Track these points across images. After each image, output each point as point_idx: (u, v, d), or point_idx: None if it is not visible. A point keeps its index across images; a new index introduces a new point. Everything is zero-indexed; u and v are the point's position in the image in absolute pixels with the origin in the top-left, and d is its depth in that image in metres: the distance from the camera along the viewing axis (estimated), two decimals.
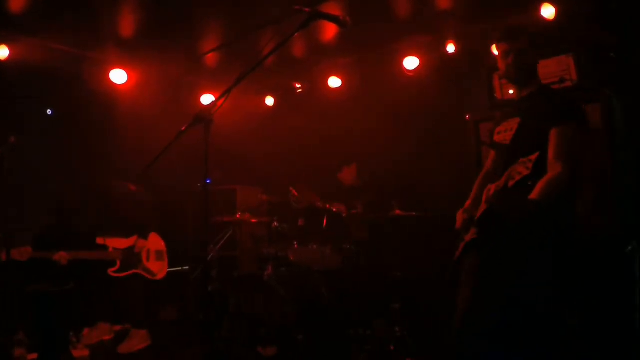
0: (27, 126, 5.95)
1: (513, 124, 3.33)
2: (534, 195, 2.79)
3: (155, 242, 6.15)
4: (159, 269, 6.05)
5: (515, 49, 3.31)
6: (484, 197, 3.13)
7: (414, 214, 5.56)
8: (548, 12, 5.30)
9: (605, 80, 4.59)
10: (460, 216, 3.43)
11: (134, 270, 5.82)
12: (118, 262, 5.69)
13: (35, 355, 4.72)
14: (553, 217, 2.86)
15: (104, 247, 5.68)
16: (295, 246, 5.82)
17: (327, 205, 5.87)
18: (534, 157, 2.72)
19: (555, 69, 4.85)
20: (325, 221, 5.86)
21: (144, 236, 6.07)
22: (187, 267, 7.23)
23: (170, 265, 6.64)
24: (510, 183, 2.81)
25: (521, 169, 2.75)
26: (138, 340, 5.74)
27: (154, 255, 6.06)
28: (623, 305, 4.01)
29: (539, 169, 2.83)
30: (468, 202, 3.54)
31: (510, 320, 2.89)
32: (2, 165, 4.88)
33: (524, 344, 2.85)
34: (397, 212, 5.72)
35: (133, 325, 5.84)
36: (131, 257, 5.84)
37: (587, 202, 4.40)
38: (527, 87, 3.40)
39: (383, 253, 5.87)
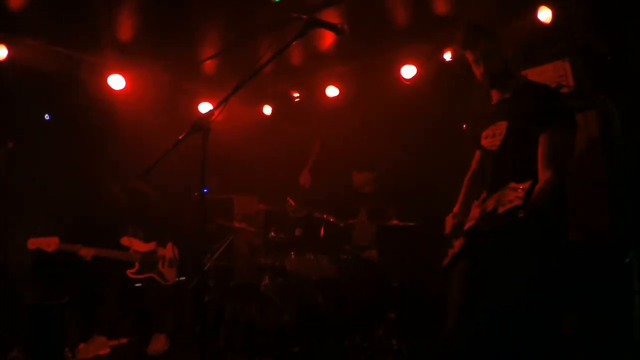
0: (25, 129, 5.97)
1: (501, 127, 3.21)
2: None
3: (170, 250, 6.38)
4: (170, 275, 6.29)
5: (481, 56, 3.23)
6: (472, 211, 3.12)
7: (411, 224, 5.56)
8: (545, 15, 5.32)
9: (602, 84, 4.61)
10: (449, 221, 3.39)
11: (150, 274, 6.04)
12: (137, 264, 5.92)
13: None
14: (541, 226, 2.81)
15: (126, 248, 5.92)
16: (292, 256, 5.84)
17: (324, 215, 5.89)
18: (526, 185, 2.61)
19: (552, 75, 4.88)
20: (322, 231, 5.89)
21: (163, 244, 6.30)
22: (183, 278, 7.25)
23: None
24: (501, 210, 2.70)
25: (512, 197, 2.65)
26: (162, 342, 5.97)
27: (167, 262, 6.29)
28: (621, 315, 4.04)
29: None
30: (457, 206, 3.52)
31: (498, 325, 2.86)
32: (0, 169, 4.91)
33: (513, 347, 2.82)
34: (395, 222, 5.74)
35: (157, 330, 6.04)
36: (149, 261, 6.08)
37: (586, 209, 4.42)
38: (508, 88, 3.28)
39: (381, 262, 5.89)
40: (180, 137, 2.92)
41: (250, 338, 5.47)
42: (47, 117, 6.72)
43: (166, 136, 3.03)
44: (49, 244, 5.23)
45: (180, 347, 6.06)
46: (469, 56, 3.31)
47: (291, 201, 6.17)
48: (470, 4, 5.46)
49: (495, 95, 3.37)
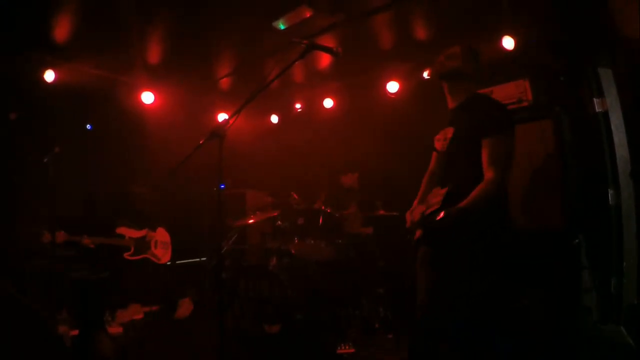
0: (70, 137, 5.91)
1: (448, 133, 3.21)
2: (463, 203, 2.74)
3: (161, 234, 6.38)
4: (163, 254, 6.29)
5: (436, 65, 3.27)
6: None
7: (395, 213, 5.58)
8: (508, 43, 5.31)
9: (556, 99, 4.61)
10: (408, 217, 3.30)
11: (144, 255, 6.07)
12: (132, 248, 5.94)
13: (76, 332, 4.70)
14: (485, 218, 2.78)
15: (122, 236, 5.92)
16: (296, 241, 5.82)
17: (323, 207, 5.88)
18: (444, 190, 2.74)
19: (514, 91, 4.88)
20: (321, 220, 5.87)
21: (153, 229, 6.28)
22: (204, 258, 7.23)
23: (190, 257, 6.71)
24: (427, 212, 2.86)
25: (433, 201, 2.78)
26: (187, 306, 6.13)
27: (160, 244, 6.29)
28: (572, 286, 4.05)
29: (449, 200, 2.79)
30: (416, 202, 3.45)
31: (458, 301, 2.86)
32: (48, 171, 4.88)
33: (475, 320, 2.82)
34: (381, 212, 5.73)
35: (181, 297, 6.19)
36: (142, 245, 6.10)
37: (542, 201, 4.43)
38: (456, 98, 3.26)
39: (369, 245, 5.90)
40: (200, 142, 2.91)
41: (260, 309, 5.46)
42: (88, 127, 6.68)
43: (189, 141, 3.00)
44: (57, 236, 5.22)
45: (201, 317, 6.05)
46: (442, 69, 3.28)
47: (295, 195, 6.16)
48: (443, 31, 5.45)
49: (449, 104, 3.34)
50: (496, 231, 2.83)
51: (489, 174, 2.80)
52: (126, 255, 5.88)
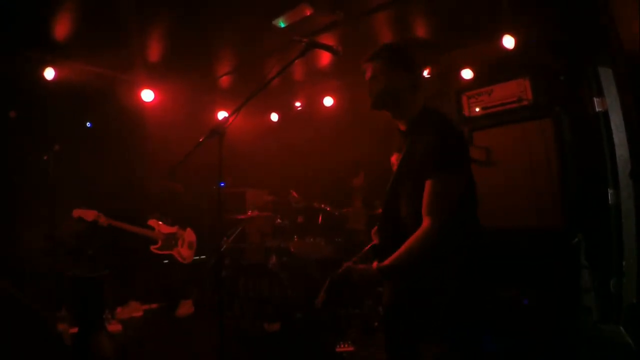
0: (70, 135, 5.90)
1: (399, 158, 2.75)
2: (388, 260, 2.43)
3: (189, 234, 6.45)
4: (188, 255, 6.34)
5: (370, 79, 2.81)
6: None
7: None
8: (508, 42, 5.29)
9: (556, 99, 4.60)
10: (373, 236, 3.04)
11: (170, 251, 6.12)
12: (160, 242, 6.01)
13: (75, 330, 4.69)
14: (423, 262, 2.40)
15: (151, 228, 6.02)
16: (295, 239, 5.83)
17: (322, 205, 5.87)
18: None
19: (515, 90, 4.88)
20: (320, 218, 5.87)
21: (183, 228, 6.38)
22: (204, 257, 7.23)
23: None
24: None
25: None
26: (188, 307, 6.15)
27: (187, 244, 6.34)
28: (572, 285, 4.04)
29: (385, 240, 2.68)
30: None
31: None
32: (48, 170, 4.87)
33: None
34: (380, 210, 5.72)
35: (183, 297, 6.20)
36: (170, 241, 6.16)
37: (542, 200, 4.42)
38: (404, 121, 2.76)
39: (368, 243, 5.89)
40: (200, 140, 2.90)
41: (260, 308, 5.44)
42: (88, 124, 6.67)
43: (189, 140, 2.99)
44: (88, 214, 5.31)
45: (201, 316, 6.05)
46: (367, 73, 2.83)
47: (294, 193, 6.16)
48: (443, 30, 5.43)
49: (400, 127, 2.83)
50: (439, 270, 2.45)
51: (426, 220, 2.40)
52: (153, 248, 5.96)
